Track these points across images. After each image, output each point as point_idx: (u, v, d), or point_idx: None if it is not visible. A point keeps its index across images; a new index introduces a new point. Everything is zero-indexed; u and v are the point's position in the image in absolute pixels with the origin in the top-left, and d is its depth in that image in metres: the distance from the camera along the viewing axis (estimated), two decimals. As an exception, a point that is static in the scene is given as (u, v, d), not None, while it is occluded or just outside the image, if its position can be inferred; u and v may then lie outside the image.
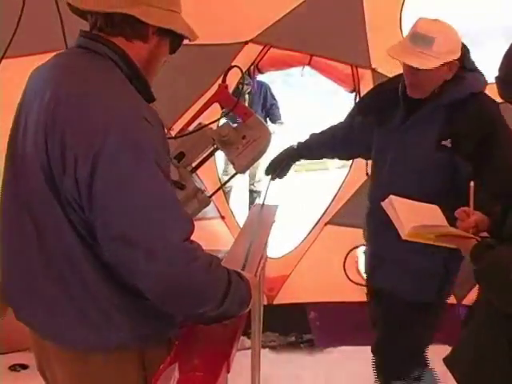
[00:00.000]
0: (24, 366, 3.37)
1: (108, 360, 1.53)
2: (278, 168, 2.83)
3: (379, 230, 2.52)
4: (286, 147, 2.95)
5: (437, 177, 2.35)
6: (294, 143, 2.97)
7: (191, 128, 2.04)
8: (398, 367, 2.65)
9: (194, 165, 2.08)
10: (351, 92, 4.28)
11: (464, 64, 2.36)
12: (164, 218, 1.37)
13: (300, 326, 4.09)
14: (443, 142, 2.30)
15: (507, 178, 2.13)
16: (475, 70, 2.42)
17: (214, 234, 4.02)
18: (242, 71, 2.09)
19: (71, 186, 1.37)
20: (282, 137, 6.64)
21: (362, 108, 2.81)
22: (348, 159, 3.27)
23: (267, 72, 4.93)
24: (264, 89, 6.60)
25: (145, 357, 1.56)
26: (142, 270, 1.37)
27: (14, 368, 3.41)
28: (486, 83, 2.40)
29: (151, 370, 1.52)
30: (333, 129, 2.93)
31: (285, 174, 2.88)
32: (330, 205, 4.27)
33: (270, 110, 6.66)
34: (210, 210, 4.04)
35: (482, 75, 2.42)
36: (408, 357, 2.63)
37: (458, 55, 2.30)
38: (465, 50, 2.36)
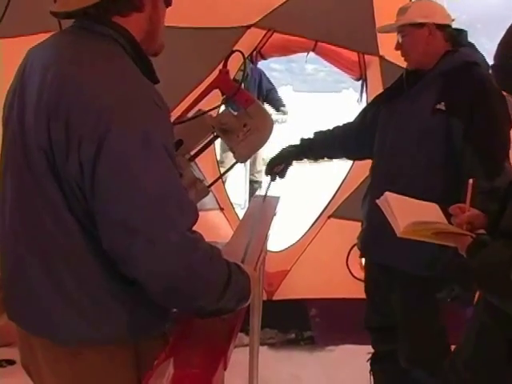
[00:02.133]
0: (11, 362, 3.37)
1: (101, 355, 1.53)
2: (279, 167, 2.85)
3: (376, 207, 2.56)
4: (286, 145, 2.98)
5: (433, 143, 2.53)
6: (296, 140, 2.99)
7: (190, 115, 2.04)
8: (420, 351, 2.70)
9: (192, 153, 2.08)
10: (357, 80, 4.28)
11: (460, 41, 2.65)
12: (168, 205, 1.38)
13: (300, 323, 4.09)
14: (438, 106, 2.50)
15: (494, 142, 2.44)
16: (471, 46, 2.67)
17: (212, 226, 4.03)
18: (244, 56, 2.09)
19: (74, 170, 1.37)
20: (286, 128, 6.67)
21: (376, 99, 2.96)
22: (358, 159, 3.27)
23: (270, 58, 4.92)
24: (258, 74, 6.39)
25: (139, 351, 1.56)
26: (141, 258, 1.37)
27: (0, 364, 3.41)
28: (483, 59, 2.60)
29: (145, 364, 1.53)
30: (342, 128, 3.01)
31: (285, 174, 2.91)
32: (333, 197, 4.28)
33: (269, 96, 6.52)
34: (208, 201, 4.05)
35: (479, 52, 2.64)
36: (429, 338, 2.68)
37: (433, 20, 2.59)
38: (461, 32, 2.67)
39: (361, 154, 3.00)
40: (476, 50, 2.66)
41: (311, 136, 3.02)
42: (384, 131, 2.72)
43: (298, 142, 3.00)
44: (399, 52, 2.70)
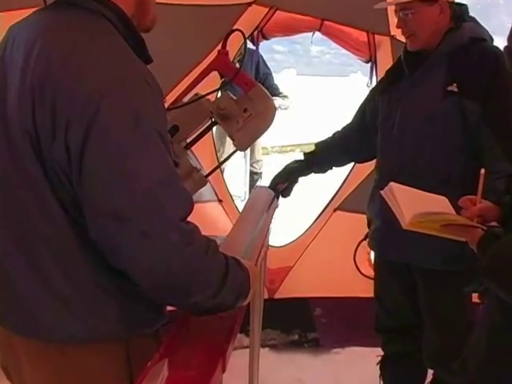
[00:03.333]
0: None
1: (89, 352, 1.53)
2: (282, 185, 2.84)
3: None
4: (290, 161, 2.97)
5: (447, 127, 2.51)
6: (301, 156, 2.99)
7: (186, 99, 2.04)
8: (448, 351, 2.70)
9: (188, 140, 2.08)
10: (367, 62, 4.27)
11: (463, 16, 2.62)
12: (162, 192, 1.38)
13: (304, 324, 4.10)
14: (449, 88, 2.48)
15: (507, 114, 2.43)
16: (474, 20, 2.65)
17: (210, 218, 4.03)
18: (244, 36, 2.09)
19: (61, 155, 1.37)
20: (288, 115, 6.65)
21: (373, 91, 2.97)
22: (367, 160, 3.25)
23: (272, 38, 4.91)
24: (256, 57, 6.30)
25: (130, 349, 1.56)
26: (131, 250, 1.37)
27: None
28: (488, 35, 2.62)
29: (136, 364, 1.53)
30: (342, 131, 3.02)
31: (290, 193, 2.90)
32: (340, 188, 4.27)
33: (266, 81, 6.39)
34: (206, 192, 4.06)
35: (482, 27, 2.63)
36: (459, 335, 2.65)
37: None
38: (462, 6, 2.65)
39: (369, 154, 2.95)
40: (479, 24, 2.64)
41: (315, 149, 3.01)
42: (388, 123, 2.69)
43: (301, 158, 2.99)
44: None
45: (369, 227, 2.90)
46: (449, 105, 2.48)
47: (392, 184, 1.98)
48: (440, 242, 2.16)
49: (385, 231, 2.73)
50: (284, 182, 2.84)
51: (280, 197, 2.82)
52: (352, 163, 3.63)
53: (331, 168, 3.06)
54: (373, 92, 2.96)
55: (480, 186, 1.89)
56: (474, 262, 2.42)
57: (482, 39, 2.57)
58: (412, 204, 1.91)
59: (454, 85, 2.47)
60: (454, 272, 2.56)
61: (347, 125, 3.00)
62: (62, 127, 1.35)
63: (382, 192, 1.98)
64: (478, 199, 1.90)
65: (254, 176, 7.01)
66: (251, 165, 6.97)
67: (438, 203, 1.96)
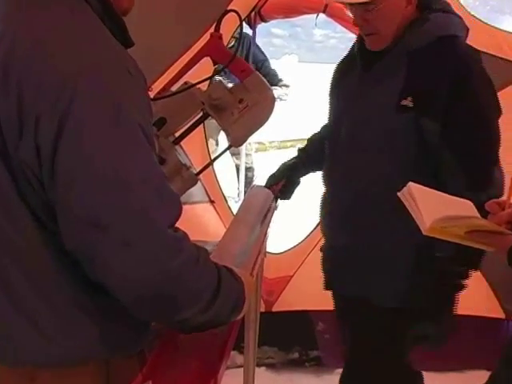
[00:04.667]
0: None
1: (63, 378, 1.50)
2: (276, 186, 2.77)
3: (336, 224, 2.53)
4: (286, 160, 2.91)
5: (402, 146, 2.31)
6: (296, 154, 2.91)
7: (175, 88, 2.04)
8: None
9: (177, 134, 2.08)
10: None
11: (431, 4, 2.36)
12: (146, 195, 1.36)
13: (305, 340, 4.11)
14: (403, 102, 2.25)
15: (480, 144, 2.25)
16: (447, 11, 2.39)
17: (200, 221, 4.03)
18: (240, 18, 2.08)
19: (29, 155, 1.34)
20: (288, 106, 6.64)
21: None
22: None
23: (271, 20, 4.92)
24: (247, 42, 6.06)
25: (109, 373, 1.54)
26: (111, 260, 1.34)
27: None
28: (464, 28, 2.39)
29: (117, 387, 1.52)
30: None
31: (289, 196, 2.84)
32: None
33: (262, 69, 6.22)
34: (195, 193, 4.05)
35: (454, 15, 2.40)
36: None
37: None
38: None
39: None
40: (450, 12, 2.39)
41: (308, 145, 2.94)
42: (335, 133, 2.52)
43: (298, 155, 2.91)
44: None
45: None
46: (403, 122, 2.27)
47: (411, 184, 1.97)
48: (389, 274, 2.25)
49: (330, 257, 2.65)
50: (278, 183, 2.79)
51: (279, 199, 2.78)
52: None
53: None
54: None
55: (509, 189, 1.89)
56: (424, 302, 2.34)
57: (451, 36, 2.32)
58: (433, 207, 1.90)
59: (409, 99, 2.24)
60: (400, 310, 2.40)
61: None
62: (31, 123, 1.32)
63: (399, 194, 1.95)
64: (507, 203, 1.89)
65: (247, 173, 7.01)
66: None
67: (463, 207, 1.95)
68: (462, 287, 2.35)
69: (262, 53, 6.50)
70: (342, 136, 2.45)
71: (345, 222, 2.45)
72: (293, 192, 2.85)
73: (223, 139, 6.38)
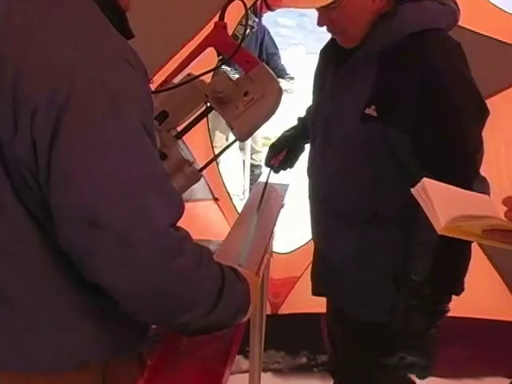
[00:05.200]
0: None
1: (61, 381, 1.51)
2: (279, 156, 2.74)
3: (321, 228, 2.52)
4: (288, 127, 2.88)
5: (370, 156, 2.21)
6: (296, 123, 2.87)
7: (177, 80, 2.04)
8: None
9: (179, 128, 2.08)
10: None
11: None
12: (146, 193, 1.36)
13: (313, 344, 4.09)
14: (367, 111, 2.13)
15: (457, 157, 2.08)
16: None
17: (203, 220, 4.03)
18: (245, 6, 2.08)
19: (25, 150, 1.34)
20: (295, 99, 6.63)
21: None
22: None
23: (278, 9, 4.91)
24: (262, 33, 6.21)
25: (108, 375, 1.55)
26: (110, 261, 1.35)
27: None
28: (448, 16, 2.22)
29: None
30: None
31: (292, 164, 2.79)
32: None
33: (271, 62, 6.31)
34: (199, 190, 4.05)
35: (440, 5, 2.19)
36: None
37: None
38: None
39: None
40: (434, 3, 2.18)
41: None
42: (313, 127, 2.45)
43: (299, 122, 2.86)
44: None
45: None
46: (369, 132, 2.16)
47: (425, 180, 1.95)
48: (368, 287, 2.23)
49: (316, 262, 2.64)
50: (279, 153, 2.74)
51: (281, 169, 2.75)
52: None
53: None
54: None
55: None
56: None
57: (423, 32, 2.13)
58: (449, 204, 1.88)
59: (373, 107, 2.12)
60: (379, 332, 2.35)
61: None
62: (27, 117, 1.32)
63: (412, 190, 1.92)
64: None
65: (253, 170, 7.01)
66: (250, 156, 6.97)
67: (481, 204, 1.93)
68: (440, 314, 2.19)
69: (275, 45, 6.54)
70: (318, 131, 2.40)
71: (320, 225, 2.47)
72: (296, 160, 2.79)
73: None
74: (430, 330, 2.16)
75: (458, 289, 2.12)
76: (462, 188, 1.98)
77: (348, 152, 2.25)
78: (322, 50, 2.54)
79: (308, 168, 2.51)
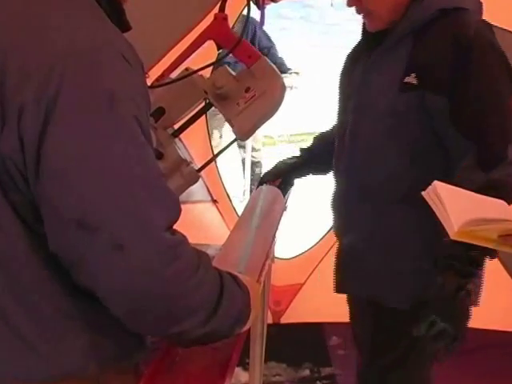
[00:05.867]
0: None
1: None
2: (276, 183, 2.79)
3: (346, 219, 2.58)
4: (287, 157, 2.93)
5: (406, 129, 2.36)
6: (297, 152, 2.94)
7: (174, 75, 2.04)
8: None
9: (176, 126, 2.08)
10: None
11: None
12: (140, 195, 1.35)
13: (317, 356, 4.11)
14: (407, 79, 2.30)
15: (491, 120, 2.23)
16: None
17: (201, 223, 4.04)
18: (247, -3, 2.09)
19: (12, 147, 1.33)
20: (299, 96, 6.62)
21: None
22: None
23: (281, 0, 4.91)
24: (252, 27, 6.16)
25: (102, 388, 1.55)
26: (102, 265, 1.34)
27: None
28: (475, 2, 2.40)
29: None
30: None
31: (284, 193, 2.80)
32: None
33: (267, 57, 6.19)
34: (197, 191, 4.06)
35: None
36: None
37: None
38: None
39: None
40: None
41: (312, 144, 2.97)
42: (340, 123, 2.60)
43: (299, 153, 2.94)
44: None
45: None
46: (407, 101, 2.32)
47: (436, 183, 1.96)
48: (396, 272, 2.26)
49: (340, 254, 2.68)
50: (273, 181, 2.79)
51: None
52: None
53: (332, 167, 3.01)
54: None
55: None
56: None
57: (455, 9, 2.31)
58: (462, 208, 1.89)
59: (413, 75, 2.29)
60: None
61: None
62: (14, 113, 1.31)
63: (423, 193, 1.96)
64: None
65: (254, 168, 7.01)
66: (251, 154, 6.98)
67: (495, 208, 1.93)
68: (473, 275, 2.25)
69: (269, 39, 6.51)
70: (347, 125, 2.49)
71: (350, 217, 2.52)
72: (286, 194, 2.83)
73: (228, 131, 6.39)
74: (461, 291, 2.20)
75: (491, 251, 2.17)
76: (495, 149, 2.18)
77: (383, 131, 2.37)
78: (348, 54, 2.70)
79: (334, 169, 2.63)
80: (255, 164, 7.00)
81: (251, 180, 6.90)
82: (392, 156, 2.37)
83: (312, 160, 2.89)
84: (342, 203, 2.57)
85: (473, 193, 1.99)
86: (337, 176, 2.62)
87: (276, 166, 2.88)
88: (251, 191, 6.70)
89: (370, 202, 2.41)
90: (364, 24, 2.50)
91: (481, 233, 1.83)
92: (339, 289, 2.71)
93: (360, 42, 2.63)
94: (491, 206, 1.92)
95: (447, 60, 2.24)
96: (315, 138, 2.98)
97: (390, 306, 2.46)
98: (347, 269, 2.61)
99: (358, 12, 2.43)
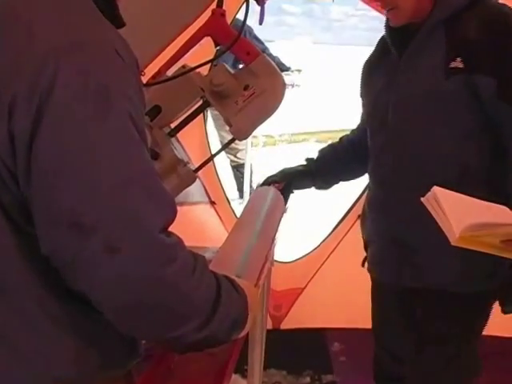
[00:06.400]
0: None
1: None
2: (279, 186, 2.79)
3: (399, 213, 2.61)
4: (288, 166, 2.95)
5: (455, 111, 2.45)
6: (303, 161, 2.97)
7: (171, 73, 2.04)
8: None
9: (173, 125, 2.08)
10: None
11: None
12: (135, 195, 1.35)
13: (318, 362, 4.10)
14: (453, 64, 2.39)
15: None
16: None
17: (198, 225, 4.03)
18: (246, -9, 2.09)
19: (2, 145, 1.32)
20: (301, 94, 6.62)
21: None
22: None
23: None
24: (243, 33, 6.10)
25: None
26: (95, 268, 1.33)
27: None
28: None
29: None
30: (352, 133, 3.03)
31: (284, 197, 2.82)
32: (365, 190, 4.26)
33: None
34: (194, 192, 4.05)
35: None
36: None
37: None
38: None
39: None
40: None
41: (319, 157, 3.01)
42: (376, 118, 2.67)
43: (305, 163, 2.98)
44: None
45: (365, 249, 2.90)
46: (454, 84, 2.41)
47: (436, 189, 1.96)
48: (466, 257, 2.21)
49: (391, 250, 2.72)
50: (277, 183, 2.81)
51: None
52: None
53: (337, 180, 3.06)
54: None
55: None
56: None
57: None
58: (463, 214, 1.88)
59: (458, 59, 2.39)
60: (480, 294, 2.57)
61: (357, 125, 3.00)
62: (4, 110, 1.31)
63: (423, 199, 1.97)
64: None
65: (237, 170, 7.03)
66: (235, 155, 6.97)
67: (497, 212, 1.93)
68: None
69: (260, 41, 6.54)
70: (387, 126, 2.56)
71: (403, 208, 2.55)
72: (286, 199, 2.84)
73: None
74: None
75: None
76: None
77: (431, 119, 2.47)
78: (366, 62, 2.80)
79: (375, 162, 2.70)
80: (239, 168, 7.00)
81: (237, 183, 6.94)
82: (443, 142, 2.46)
83: (317, 171, 2.94)
84: (389, 200, 2.61)
85: (473, 198, 1.99)
86: (377, 179, 2.70)
87: (282, 170, 2.90)
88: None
89: (421, 182, 2.30)
90: (387, 24, 2.59)
91: (483, 238, 1.83)
92: (392, 279, 2.77)
93: (378, 50, 2.73)
94: (492, 211, 1.92)
95: (489, 42, 2.36)
96: (321, 151, 3.02)
97: (456, 291, 2.54)
98: (405, 260, 2.65)
99: (383, 6, 2.52)
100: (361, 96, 2.80)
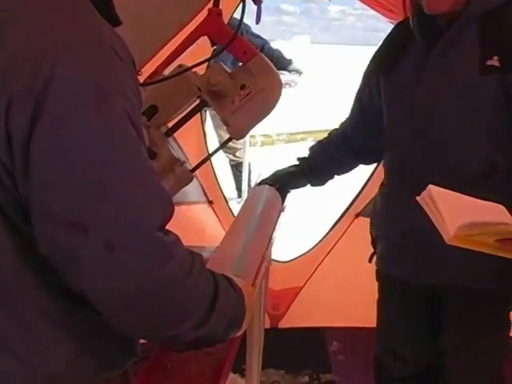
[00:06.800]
0: None
1: None
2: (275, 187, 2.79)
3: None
4: (281, 168, 2.96)
5: (488, 109, 2.43)
6: (295, 161, 2.98)
7: (167, 72, 2.04)
8: None
9: (170, 125, 2.08)
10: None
11: None
12: (133, 194, 1.35)
13: (316, 362, 4.10)
14: (489, 62, 2.37)
15: None
16: None
17: (196, 224, 4.03)
18: (243, -10, 2.09)
19: (0, 144, 1.34)
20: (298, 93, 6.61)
21: (367, 73, 2.88)
22: (378, 160, 3.25)
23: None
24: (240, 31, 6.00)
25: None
26: (91, 267, 1.34)
27: None
28: None
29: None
30: (340, 127, 3.03)
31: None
32: (363, 188, 4.27)
33: (263, 53, 6.05)
34: (192, 192, 4.05)
35: None
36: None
37: None
38: None
39: (377, 153, 2.93)
40: None
41: (310, 155, 3.02)
42: (401, 110, 2.65)
43: (297, 163, 2.98)
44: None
45: (374, 245, 2.89)
46: (489, 82, 2.40)
47: (431, 187, 1.96)
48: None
49: (413, 248, 2.69)
50: (273, 184, 2.80)
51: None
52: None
53: (331, 176, 3.05)
54: (367, 75, 2.89)
55: None
56: None
57: None
58: (458, 213, 1.88)
59: (495, 58, 2.37)
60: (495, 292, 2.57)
61: (345, 119, 3.00)
62: (2, 106, 1.30)
63: (418, 198, 1.97)
64: None
65: (235, 169, 7.02)
66: (233, 154, 6.96)
67: (492, 211, 1.93)
68: None
69: (259, 36, 6.47)
70: (413, 120, 2.56)
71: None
72: (283, 199, 2.84)
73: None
74: None
75: None
76: None
77: (462, 116, 2.47)
78: (389, 46, 2.76)
79: (397, 158, 2.69)
80: (237, 166, 7.00)
81: (236, 182, 6.93)
82: (471, 139, 2.47)
83: (310, 168, 2.94)
84: (414, 195, 2.58)
85: (469, 197, 1.98)
86: (400, 174, 2.67)
87: (274, 173, 2.90)
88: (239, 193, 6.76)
89: (446, 179, 2.37)
90: (415, 14, 2.55)
91: (477, 237, 1.83)
92: (413, 277, 2.74)
93: (394, 40, 2.72)
94: (487, 210, 1.92)
95: None
96: (311, 148, 3.02)
97: (477, 287, 2.54)
98: (425, 257, 2.65)
99: None
100: (366, 83, 2.80)
